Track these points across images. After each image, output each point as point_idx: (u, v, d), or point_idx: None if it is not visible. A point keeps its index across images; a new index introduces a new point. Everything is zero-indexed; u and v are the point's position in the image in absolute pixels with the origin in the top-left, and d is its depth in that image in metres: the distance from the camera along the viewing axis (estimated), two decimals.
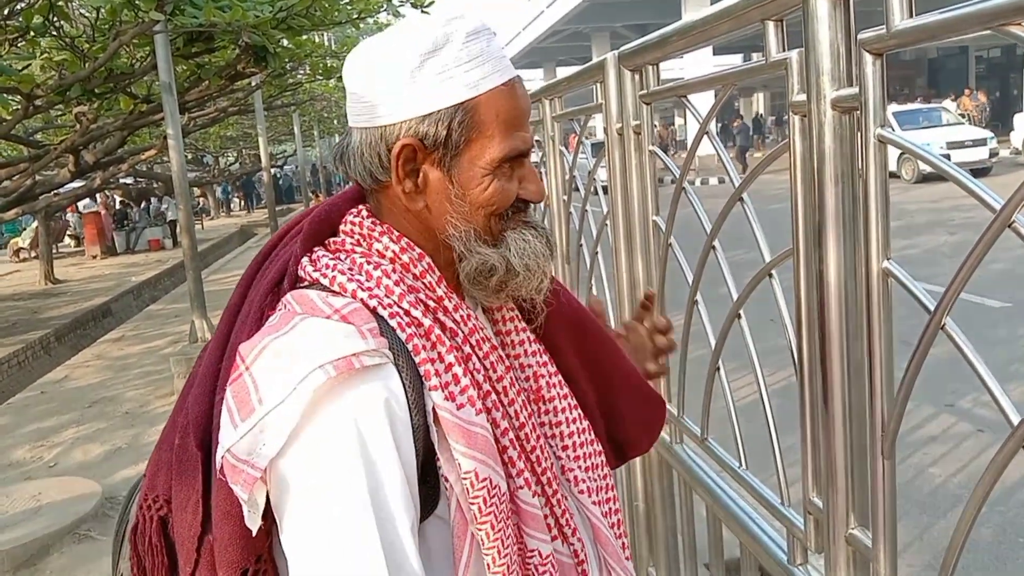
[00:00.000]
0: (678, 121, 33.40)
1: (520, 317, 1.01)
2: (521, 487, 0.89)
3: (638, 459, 1.95)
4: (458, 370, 0.86)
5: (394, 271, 0.89)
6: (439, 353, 0.86)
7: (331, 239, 0.94)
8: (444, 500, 0.86)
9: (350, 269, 0.89)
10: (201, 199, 28.20)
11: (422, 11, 6.46)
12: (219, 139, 21.92)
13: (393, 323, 0.84)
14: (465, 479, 0.83)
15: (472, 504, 0.84)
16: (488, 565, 0.84)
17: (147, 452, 1.19)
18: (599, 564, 0.99)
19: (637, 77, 1.69)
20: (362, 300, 0.85)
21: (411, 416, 0.82)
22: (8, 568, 3.54)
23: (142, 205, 21.43)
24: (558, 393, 1.00)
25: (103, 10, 4.60)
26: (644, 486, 1.98)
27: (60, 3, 4.45)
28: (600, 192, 2.26)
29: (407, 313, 0.86)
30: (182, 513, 0.88)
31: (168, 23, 4.89)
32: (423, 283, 0.90)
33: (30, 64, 5.00)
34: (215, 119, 10.66)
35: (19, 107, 5.26)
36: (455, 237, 0.89)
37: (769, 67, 1.12)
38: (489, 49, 0.88)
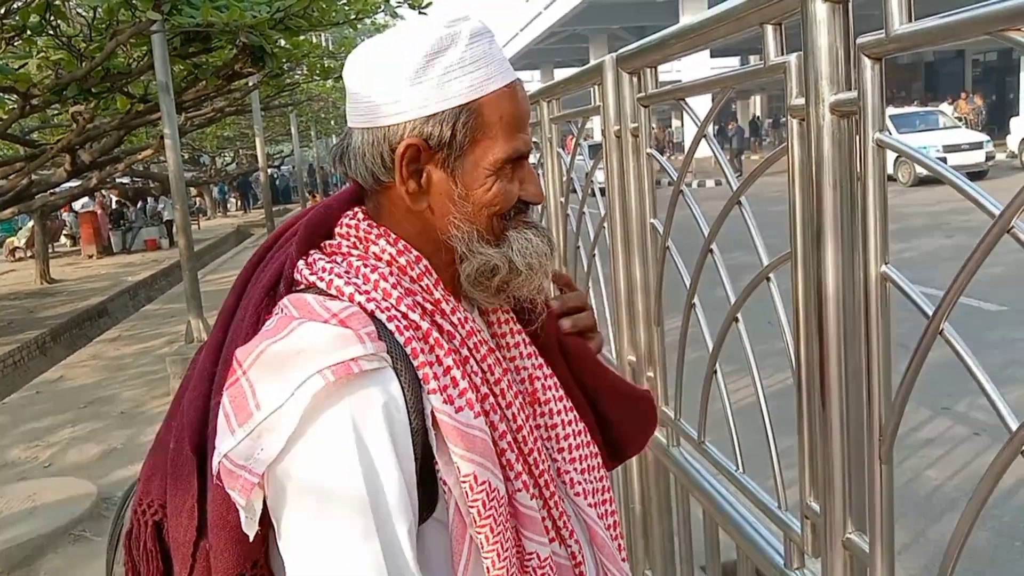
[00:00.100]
0: (675, 123, 33.42)
1: (516, 320, 1.01)
2: (519, 490, 0.89)
3: (635, 461, 1.95)
4: (456, 373, 0.85)
5: (391, 274, 0.88)
6: (437, 356, 0.85)
7: (327, 242, 0.94)
8: (442, 503, 0.86)
9: (347, 272, 0.88)
10: (198, 199, 28.17)
11: (420, 12, 6.46)
12: (216, 139, 21.90)
13: (391, 326, 0.84)
14: (464, 482, 0.83)
15: (471, 507, 0.83)
16: (487, 568, 0.84)
17: (143, 453, 1.19)
18: (596, 566, 0.99)
19: (635, 80, 1.69)
20: (359, 304, 0.85)
21: (410, 420, 0.82)
22: (3, 569, 3.53)
23: (138, 205, 21.38)
24: (553, 395, 1.00)
25: (100, 9, 4.59)
26: (641, 489, 1.97)
27: (57, 2, 4.44)
28: (598, 194, 2.26)
29: (405, 316, 0.85)
30: (177, 518, 0.88)
31: (165, 23, 4.88)
32: (420, 286, 0.89)
33: (27, 63, 4.98)
34: (212, 119, 10.64)
35: (15, 106, 5.25)
36: (457, 238, 0.89)
37: (768, 71, 1.12)
38: (491, 51, 0.88)
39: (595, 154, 2.07)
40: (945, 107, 20.54)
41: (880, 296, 0.92)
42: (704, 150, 1.51)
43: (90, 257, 18.51)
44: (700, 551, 1.67)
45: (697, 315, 1.54)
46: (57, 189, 10.26)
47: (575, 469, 0.99)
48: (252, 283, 0.95)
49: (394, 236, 0.91)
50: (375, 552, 0.76)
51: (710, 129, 1.43)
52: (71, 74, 4.96)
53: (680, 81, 1.57)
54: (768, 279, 1.24)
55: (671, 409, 1.73)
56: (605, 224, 1.98)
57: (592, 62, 1.92)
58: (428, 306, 0.88)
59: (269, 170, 16.89)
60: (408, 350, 0.84)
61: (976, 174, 15.16)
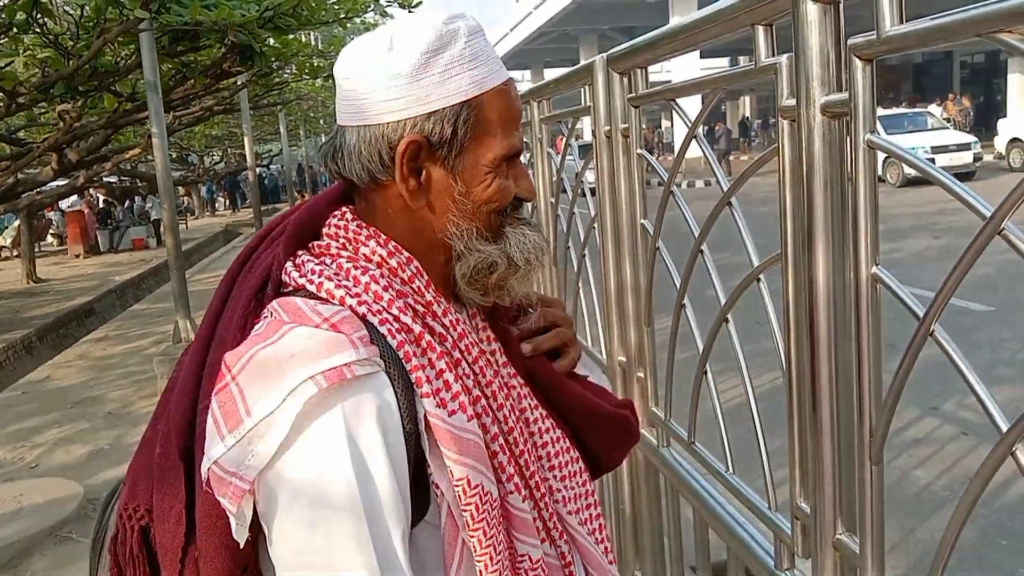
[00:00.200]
0: (664, 124, 33.50)
1: (491, 327, 0.98)
2: (511, 492, 0.89)
3: (624, 462, 1.95)
4: (449, 376, 0.85)
5: (382, 276, 0.87)
6: (430, 359, 0.85)
7: (315, 242, 0.92)
8: (434, 506, 0.85)
9: (336, 274, 0.87)
10: (186, 198, 28.04)
11: (409, 11, 6.44)
12: (204, 138, 21.79)
13: (383, 330, 0.83)
14: (457, 486, 0.82)
15: (464, 511, 0.83)
16: (480, 572, 0.84)
17: (130, 453, 1.18)
18: (584, 565, 0.99)
19: (625, 80, 1.69)
20: (351, 307, 0.84)
21: (403, 424, 0.81)
22: None
23: (126, 204, 21.24)
24: (529, 404, 0.97)
25: (87, 7, 4.56)
26: (630, 489, 1.97)
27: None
28: (588, 194, 2.26)
29: (397, 319, 0.85)
30: (164, 523, 0.87)
31: (153, 21, 4.85)
32: (412, 288, 0.88)
33: (13, 61, 4.94)
34: (200, 118, 10.57)
35: (1, 104, 5.20)
36: (456, 236, 0.88)
37: (758, 71, 1.12)
38: (488, 49, 0.88)
39: (585, 154, 2.07)
40: (933, 108, 20.67)
41: (871, 297, 0.92)
42: (694, 150, 1.51)
43: (77, 256, 18.39)
44: (690, 552, 1.68)
45: (687, 315, 1.54)
46: (44, 188, 10.18)
47: (554, 476, 0.96)
48: (238, 284, 0.93)
49: (384, 237, 0.90)
50: (369, 558, 0.76)
51: (700, 130, 1.43)
52: (58, 72, 4.92)
53: (670, 82, 1.57)
54: (758, 279, 1.24)
55: (661, 409, 1.73)
56: (595, 224, 1.97)
57: (582, 62, 1.92)
58: (420, 308, 0.87)
59: (258, 169, 16.82)
60: (401, 354, 0.83)
61: (964, 175, 15.26)
